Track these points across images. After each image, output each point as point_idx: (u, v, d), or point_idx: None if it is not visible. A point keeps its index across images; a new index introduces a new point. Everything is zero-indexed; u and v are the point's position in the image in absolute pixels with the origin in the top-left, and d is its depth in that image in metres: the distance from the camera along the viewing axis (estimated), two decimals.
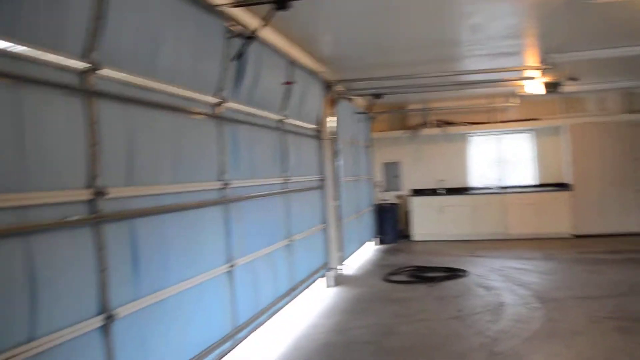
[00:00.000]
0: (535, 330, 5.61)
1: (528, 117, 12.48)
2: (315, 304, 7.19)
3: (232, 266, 4.96)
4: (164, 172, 3.99)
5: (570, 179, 12.05)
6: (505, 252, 10.56)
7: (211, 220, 4.71)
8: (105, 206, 3.24)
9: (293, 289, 6.69)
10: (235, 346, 4.97)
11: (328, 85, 8.46)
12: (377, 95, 10.23)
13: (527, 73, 9.18)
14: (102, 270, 3.19)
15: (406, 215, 12.86)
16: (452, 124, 12.78)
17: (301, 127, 7.53)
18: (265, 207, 5.99)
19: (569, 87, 10.12)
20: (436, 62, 8.34)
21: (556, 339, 5.34)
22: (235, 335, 4.94)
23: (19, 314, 2.63)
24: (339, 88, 8.99)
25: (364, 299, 7.39)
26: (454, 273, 8.55)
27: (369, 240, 11.89)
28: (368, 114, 11.77)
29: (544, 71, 8.57)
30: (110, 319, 3.22)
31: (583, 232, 11.85)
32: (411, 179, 13.35)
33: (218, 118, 4.91)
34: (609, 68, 9.65)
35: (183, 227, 4.19)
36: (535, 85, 10.04)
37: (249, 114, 5.70)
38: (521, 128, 12.70)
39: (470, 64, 8.64)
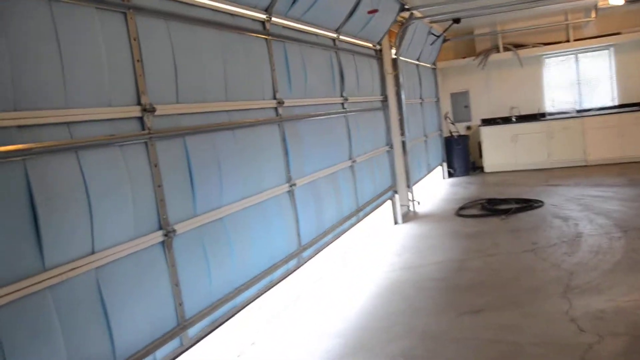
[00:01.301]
0: (616, 261, 5.34)
1: (607, 33, 11.52)
2: (384, 240, 7.20)
3: (293, 185, 4.99)
4: (214, 90, 3.97)
5: None
6: (584, 179, 10.06)
7: (268, 138, 4.70)
8: (154, 123, 3.29)
9: (359, 209, 6.73)
10: (301, 265, 5.07)
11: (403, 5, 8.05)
12: (456, 20, 9.83)
13: None
14: (158, 186, 3.29)
15: (478, 147, 12.46)
16: (524, 46, 12.03)
17: (361, 45, 7.31)
18: (324, 128, 5.92)
19: None
20: None
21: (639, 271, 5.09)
22: (300, 253, 5.04)
23: (80, 226, 2.74)
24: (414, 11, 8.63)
25: (434, 235, 7.30)
26: (528, 204, 8.26)
27: (439, 165, 11.71)
28: (442, 35, 11.14)
29: None
30: (170, 234, 3.32)
31: None
32: (481, 109, 12.84)
33: (269, 35, 4.80)
34: None
35: (238, 146, 4.19)
36: None
37: (301, 31, 5.54)
38: (600, 45, 11.77)
39: None
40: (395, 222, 8.09)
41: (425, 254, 6.46)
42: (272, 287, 4.52)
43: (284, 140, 4.94)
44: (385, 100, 8.04)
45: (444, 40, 11.60)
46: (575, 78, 12.24)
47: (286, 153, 4.96)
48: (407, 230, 7.78)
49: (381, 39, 7.88)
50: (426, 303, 4.90)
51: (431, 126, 11.28)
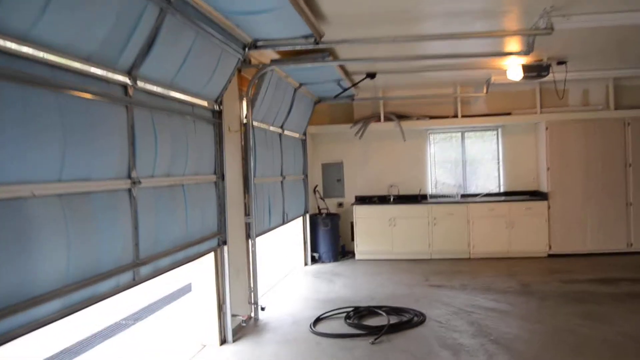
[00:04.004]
0: None
1: (497, 112, 10.29)
2: None
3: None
4: None
5: (545, 187, 9.93)
6: (470, 279, 8.31)
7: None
8: None
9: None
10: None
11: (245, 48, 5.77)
12: (371, 75, 8.16)
13: (507, 46, 6.91)
14: None
15: (350, 228, 10.49)
16: (407, 117, 10.46)
17: (184, 101, 4.91)
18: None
19: (557, 74, 7.97)
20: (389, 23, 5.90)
21: None
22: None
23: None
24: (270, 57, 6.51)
25: None
26: (406, 319, 6.20)
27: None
28: (349, 89, 8.91)
29: (529, 43, 6.21)
30: None
31: (560, 251, 9.79)
32: (357, 184, 10.98)
33: None
34: (600, 51, 7.56)
35: None
36: (513, 67, 7.80)
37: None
38: (488, 125, 10.51)
39: (431, 27, 6.16)
40: (223, 341, 5.62)
41: None
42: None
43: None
44: (219, 178, 5.70)
45: (317, 102, 9.70)
46: (461, 158, 10.83)
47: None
48: (238, 354, 5.34)
49: (220, 95, 5.61)
50: None
51: (296, 210, 9.12)
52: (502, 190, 10.65)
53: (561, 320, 6.09)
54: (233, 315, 5.69)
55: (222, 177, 5.65)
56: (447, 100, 10.43)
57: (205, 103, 5.37)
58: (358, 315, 6.41)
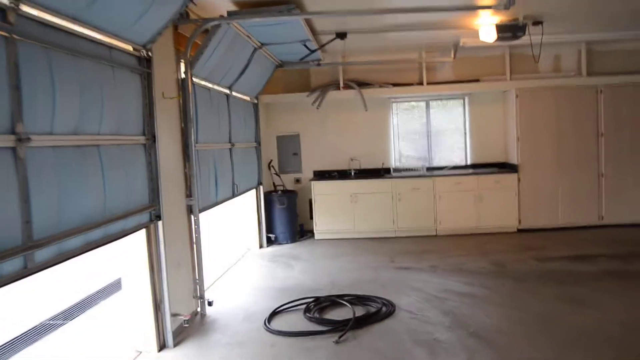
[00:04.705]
0: None
1: (464, 79, 9.60)
2: None
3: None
4: None
5: (515, 159, 9.35)
6: (439, 259, 7.68)
7: None
8: None
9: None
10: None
11: None
12: (341, 35, 7.27)
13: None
14: None
15: (309, 205, 9.70)
16: (369, 85, 9.65)
17: (99, 42, 3.88)
18: None
19: (534, 36, 7.28)
20: None
21: None
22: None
23: None
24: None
25: None
26: (374, 311, 5.48)
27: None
28: (316, 52, 7.94)
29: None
30: None
31: (530, 226, 9.28)
32: (315, 158, 10.16)
33: None
34: (576, 10, 6.91)
35: None
36: (486, 27, 7.07)
37: None
38: (455, 93, 9.82)
39: None
40: (162, 346, 4.77)
41: None
42: None
43: None
44: (151, 140, 4.74)
45: (279, 66, 8.75)
46: (426, 129, 10.13)
47: None
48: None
49: (150, 41, 4.62)
50: None
51: (248, 181, 8.22)
52: (469, 162, 10.04)
53: (543, 305, 5.49)
54: (173, 315, 4.83)
55: (153, 138, 4.67)
56: (411, 66, 9.67)
57: (129, 47, 4.36)
58: (319, 307, 5.66)
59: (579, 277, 6.47)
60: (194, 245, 5.54)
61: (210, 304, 5.65)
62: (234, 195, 7.27)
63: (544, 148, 9.23)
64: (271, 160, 9.93)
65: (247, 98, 8.47)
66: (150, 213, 4.61)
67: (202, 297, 5.58)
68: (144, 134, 4.58)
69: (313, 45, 7.45)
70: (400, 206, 9.35)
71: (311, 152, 10.13)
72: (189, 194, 5.45)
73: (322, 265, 7.68)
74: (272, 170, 9.88)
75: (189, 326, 5.22)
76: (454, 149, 10.14)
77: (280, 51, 7.85)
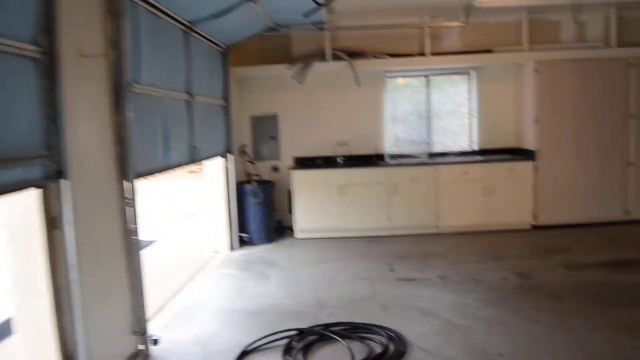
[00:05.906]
0: None
1: (474, 49, 8.16)
2: None
3: None
4: None
5: (532, 144, 7.97)
6: (447, 266, 6.30)
7: None
8: None
9: None
10: None
11: None
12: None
13: None
14: None
15: (288, 198, 8.23)
16: (361, 55, 8.13)
17: None
18: None
19: None
20: None
21: None
22: None
23: None
24: None
25: None
26: (379, 351, 4.05)
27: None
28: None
29: None
30: None
31: (547, 222, 7.95)
32: (296, 143, 8.64)
33: None
34: None
35: None
36: None
37: None
38: (462, 66, 8.38)
39: None
40: None
41: None
42: None
43: None
44: (46, 54, 3.02)
45: (272, 29, 7.18)
46: (426, 109, 8.67)
47: None
48: None
49: None
50: None
51: (212, 146, 6.66)
52: (476, 148, 8.63)
53: (602, 339, 4.11)
54: None
55: (50, 52, 2.99)
56: (411, 33, 8.17)
57: None
58: (304, 343, 4.20)
59: (628, 292, 5.14)
60: (131, 240, 3.97)
61: (155, 342, 4.15)
62: (191, 161, 5.72)
63: (565, 132, 7.86)
64: (245, 145, 8.38)
65: (216, 45, 6.89)
66: (43, 165, 2.98)
67: (143, 331, 4.08)
68: (35, 43, 2.89)
69: None
70: (396, 199, 7.92)
71: (292, 135, 8.58)
72: (124, 173, 3.87)
73: (304, 276, 6.22)
74: (246, 157, 8.34)
75: None
76: (458, 132, 8.72)
77: (276, 7, 6.25)
